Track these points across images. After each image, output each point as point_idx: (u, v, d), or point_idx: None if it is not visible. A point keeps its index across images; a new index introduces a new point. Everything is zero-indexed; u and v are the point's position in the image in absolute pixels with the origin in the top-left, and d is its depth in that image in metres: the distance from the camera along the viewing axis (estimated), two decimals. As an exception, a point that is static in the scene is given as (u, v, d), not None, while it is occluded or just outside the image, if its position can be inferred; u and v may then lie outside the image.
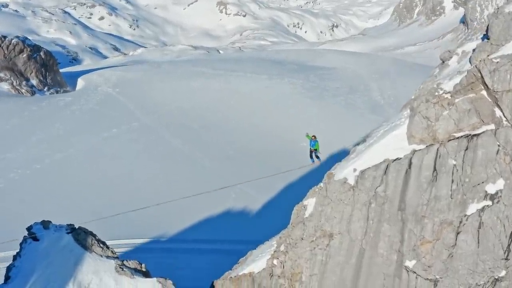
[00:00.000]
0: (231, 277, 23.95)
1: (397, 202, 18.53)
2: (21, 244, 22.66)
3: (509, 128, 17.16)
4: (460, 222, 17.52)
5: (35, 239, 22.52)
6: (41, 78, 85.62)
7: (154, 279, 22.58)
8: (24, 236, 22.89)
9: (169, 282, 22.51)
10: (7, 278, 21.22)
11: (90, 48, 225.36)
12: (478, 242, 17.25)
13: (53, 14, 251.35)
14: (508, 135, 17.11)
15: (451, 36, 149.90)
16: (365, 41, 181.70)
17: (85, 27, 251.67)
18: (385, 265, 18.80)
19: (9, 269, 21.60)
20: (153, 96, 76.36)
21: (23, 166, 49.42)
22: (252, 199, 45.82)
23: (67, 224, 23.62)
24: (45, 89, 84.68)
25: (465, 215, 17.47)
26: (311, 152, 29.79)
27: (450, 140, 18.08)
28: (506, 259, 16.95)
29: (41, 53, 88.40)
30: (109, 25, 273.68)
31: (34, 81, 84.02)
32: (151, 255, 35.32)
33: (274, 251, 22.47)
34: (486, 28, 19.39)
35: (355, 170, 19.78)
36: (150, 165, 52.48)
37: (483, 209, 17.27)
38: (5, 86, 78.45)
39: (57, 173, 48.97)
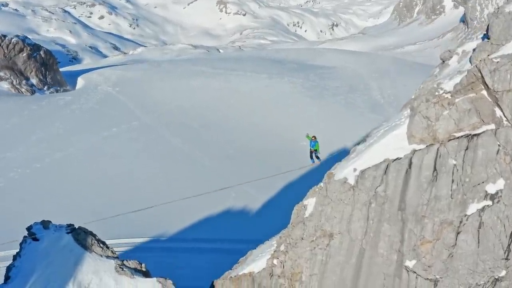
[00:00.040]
0: (231, 276, 23.95)
1: (397, 202, 18.52)
2: (21, 244, 22.65)
3: (510, 128, 17.15)
4: (460, 222, 17.51)
5: (35, 239, 22.50)
6: (41, 77, 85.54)
7: (154, 279, 22.57)
8: (24, 236, 22.88)
9: (169, 282, 22.51)
10: (7, 278, 21.22)
11: (90, 47, 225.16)
12: (478, 242, 17.24)
13: (53, 13, 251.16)
14: (509, 135, 17.10)
15: (451, 35, 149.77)
16: (365, 40, 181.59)
17: (85, 26, 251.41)
18: (385, 265, 18.80)
19: (9, 269, 21.59)
20: (153, 95, 76.35)
21: (23, 165, 49.40)
22: (252, 198, 45.81)
23: (67, 224, 23.61)
24: (45, 88, 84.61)
25: (465, 215, 17.47)
26: (311, 152, 29.85)
27: (450, 140, 18.06)
28: (506, 259, 16.94)
29: (41, 52, 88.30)
30: (109, 24, 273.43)
31: (34, 80, 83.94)
32: (151, 254, 35.32)
33: (274, 251, 22.47)
34: (486, 27, 19.38)
35: (355, 170, 19.76)
36: (150, 164, 52.48)
37: (483, 209, 17.27)
38: (5, 85, 78.39)
39: (57, 172, 48.95)
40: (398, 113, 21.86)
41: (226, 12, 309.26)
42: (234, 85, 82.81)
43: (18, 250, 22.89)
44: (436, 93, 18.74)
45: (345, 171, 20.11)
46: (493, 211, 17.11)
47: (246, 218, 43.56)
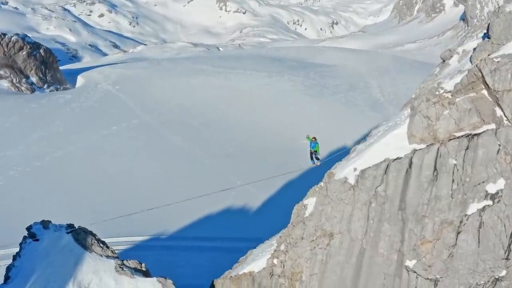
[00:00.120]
0: (231, 276, 23.95)
1: (398, 202, 18.51)
2: (20, 244, 22.63)
3: (510, 127, 17.12)
4: (461, 221, 17.50)
5: (35, 239, 22.48)
6: (41, 76, 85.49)
7: (154, 278, 22.54)
8: (24, 236, 22.86)
9: (169, 281, 22.48)
10: (6, 278, 21.20)
11: (90, 45, 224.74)
12: (479, 242, 17.24)
13: (52, 12, 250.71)
14: (509, 134, 17.08)
15: (451, 33, 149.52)
16: (365, 38, 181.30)
17: (85, 24, 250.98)
18: (386, 265, 18.79)
19: (8, 269, 21.56)
20: (153, 93, 76.32)
21: (23, 164, 49.38)
22: (252, 197, 45.80)
23: (67, 224, 23.59)
24: (45, 86, 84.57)
25: (466, 215, 17.46)
26: (311, 153, 29.84)
27: (451, 139, 18.05)
28: (507, 258, 16.93)
29: (41, 51, 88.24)
30: (109, 22, 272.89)
31: (34, 79, 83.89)
32: (151, 253, 35.33)
33: (274, 251, 22.47)
34: (486, 26, 19.35)
35: (355, 169, 19.75)
36: (150, 163, 52.47)
37: (483, 208, 17.26)
38: (5, 83, 78.35)
39: (57, 171, 48.94)
40: (399, 113, 21.84)
41: (226, 10, 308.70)
42: (234, 84, 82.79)
43: (18, 248, 22.88)
44: (437, 93, 18.72)
45: (345, 170, 20.10)
46: (493, 211, 17.10)
47: (246, 217, 43.58)
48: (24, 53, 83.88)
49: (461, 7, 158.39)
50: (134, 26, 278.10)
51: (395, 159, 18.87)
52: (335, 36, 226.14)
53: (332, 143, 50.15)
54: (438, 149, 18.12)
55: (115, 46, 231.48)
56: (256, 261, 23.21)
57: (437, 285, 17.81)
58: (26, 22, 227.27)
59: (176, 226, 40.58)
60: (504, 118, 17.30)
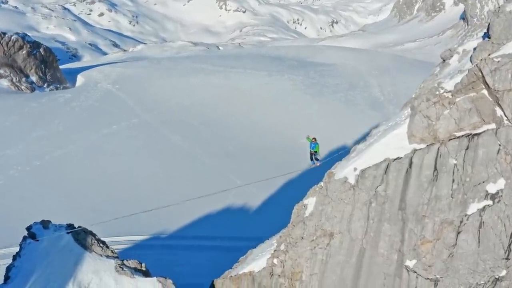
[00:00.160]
0: (231, 276, 23.94)
1: (398, 202, 18.50)
2: (20, 244, 22.60)
3: (510, 127, 17.11)
4: (461, 221, 17.49)
5: (35, 238, 22.45)
6: (41, 75, 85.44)
7: (154, 278, 22.54)
8: (24, 236, 22.83)
9: (169, 281, 22.48)
10: (6, 278, 21.18)
11: (90, 44, 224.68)
12: (479, 242, 17.22)
13: (52, 11, 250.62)
14: (509, 134, 17.06)
15: (451, 32, 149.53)
16: (365, 37, 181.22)
17: (85, 23, 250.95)
18: (386, 265, 18.78)
19: (8, 269, 21.54)
20: (153, 92, 76.30)
21: (23, 163, 49.35)
22: (252, 196, 45.81)
23: (67, 224, 23.57)
24: (45, 85, 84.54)
25: (466, 215, 17.44)
26: (311, 154, 29.78)
27: (451, 139, 18.03)
28: (507, 258, 16.92)
29: (41, 50, 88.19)
30: (109, 22, 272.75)
31: (33, 78, 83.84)
32: (151, 252, 35.34)
33: (274, 250, 22.45)
34: (486, 26, 19.33)
35: (355, 169, 19.74)
36: (150, 162, 52.46)
37: (483, 208, 17.24)
38: (5, 82, 78.31)
39: (57, 170, 48.91)
40: (399, 112, 21.82)
41: (226, 9, 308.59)
42: (234, 83, 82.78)
43: (18, 248, 22.86)
44: (437, 93, 18.70)
45: (346, 170, 20.08)
46: (493, 211, 17.09)
47: (246, 216, 43.60)
48: (24, 52, 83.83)
49: (461, 6, 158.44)
50: (134, 25, 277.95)
51: (395, 159, 18.85)
52: (335, 35, 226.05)
53: (332, 142, 50.15)
54: (438, 149, 18.10)
55: (115, 45, 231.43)
56: (256, 261, 23.19)
57: (437, 285, 17.80)
58: (26, 21, 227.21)
59: (176, 225, 40.59)
60: (504, 118, 17.29)
